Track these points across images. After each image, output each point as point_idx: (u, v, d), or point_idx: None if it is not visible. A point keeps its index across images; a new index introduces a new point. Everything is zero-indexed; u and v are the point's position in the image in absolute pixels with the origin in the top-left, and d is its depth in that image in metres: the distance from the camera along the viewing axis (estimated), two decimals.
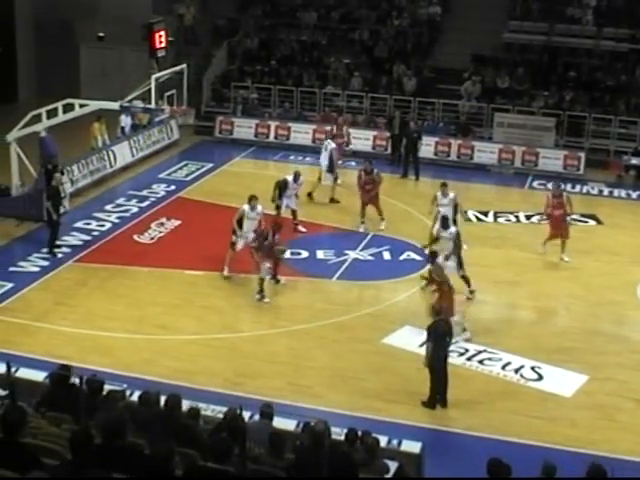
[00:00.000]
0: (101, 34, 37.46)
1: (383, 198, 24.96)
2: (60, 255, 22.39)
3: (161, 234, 24.08)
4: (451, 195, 22.59)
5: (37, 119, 25.11)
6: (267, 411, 12.23)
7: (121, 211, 25.67)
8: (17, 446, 8.09)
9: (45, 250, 22.34)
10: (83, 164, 27.61)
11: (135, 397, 12.64)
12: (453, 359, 17.88)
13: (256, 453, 10.43)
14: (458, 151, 32.08)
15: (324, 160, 26.85)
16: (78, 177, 27.19)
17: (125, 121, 30.92)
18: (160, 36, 28.65)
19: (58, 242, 22.74)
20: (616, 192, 29.53)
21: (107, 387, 12.51)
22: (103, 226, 24.52)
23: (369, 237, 24.00)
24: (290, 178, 24.15)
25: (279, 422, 12.42)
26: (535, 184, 30.00)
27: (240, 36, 37.97)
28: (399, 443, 12.96)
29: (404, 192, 28.27)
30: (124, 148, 30.22)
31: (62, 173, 24.69)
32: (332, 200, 26.69)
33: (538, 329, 19.70)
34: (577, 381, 17.29)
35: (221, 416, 12.00)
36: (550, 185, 25.65)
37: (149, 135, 31.85)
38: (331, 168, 26.73)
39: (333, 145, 27.08)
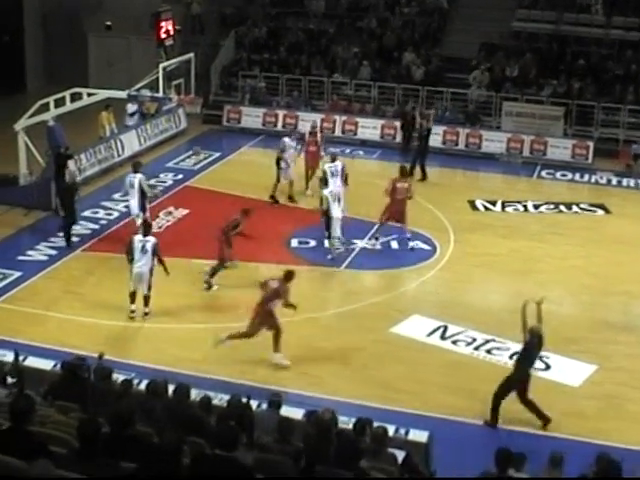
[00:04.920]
0: (109, 23, 37.37)
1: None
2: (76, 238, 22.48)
3: (169, 223, 24.09)
4: None
5: (45, 108, 25.13)
6: (276, 400, 12.24)
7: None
8: (25, 434, 8.10)
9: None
10: (91, 153, 27.63)
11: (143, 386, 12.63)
12: (461, 348, 17.93)
13: (263, 441, 10.43)
14: (466, 140, 31.99)
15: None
16: (86, 166, 27.19)
17: (132, 109, 30.86)
18: (167, 25, 28.63)
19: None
20: (625, 182, 29.41)
21: (115, 376, 12.57)
22: (111, 215, 24.52)
23: (377, 226, 23.94)
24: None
25: (287, 411, 12.41)
26: (543, 173, 29.91)
27: (248, 25, 37.91)
28: (406, 432, 12.97)
29: (412, 182, 28.22)
30: (132, 137, 30.22)
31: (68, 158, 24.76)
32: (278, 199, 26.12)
33: (547, 319, 19.60)
34: (585, 371, 17.27)
35: None
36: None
37: (157, 124, 31.84)
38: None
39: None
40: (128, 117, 31.05)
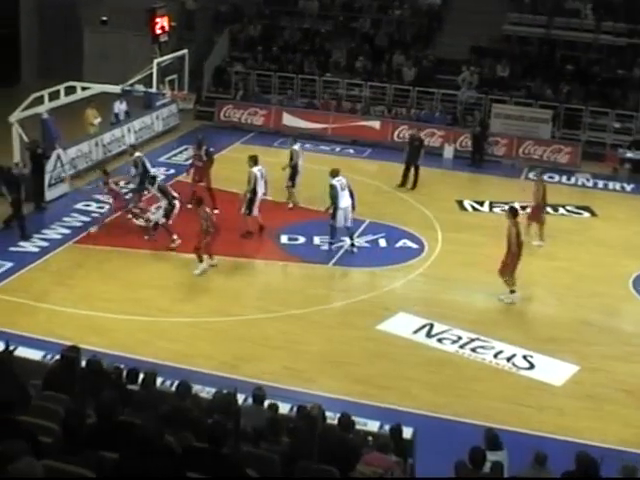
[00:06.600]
0: (104, 18, 37.47)
1: (384, 187, 25.14)
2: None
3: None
4: None
5: (39, 101, 25.28)
6: (259, 394, 12.34)
7: None
8: (13, 424, 8.21)
9: None
10: (83, 147, 27.72)
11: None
12: (446, 346, 18.15)
13: (249, 435, 10.60)
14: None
15: None
16: (78, 161, 27.31)
17: (119, 107, 30.82)
18: (162, 21, 28.82)
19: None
20: (611, 185, 29.72)
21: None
22: (102, 208, 24.61)
23: (365, 224, 24.15)
24: None
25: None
26: (531, 175, 30.07)
27: (243, 23, 38.09)
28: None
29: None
30: (124, 132, 30.27)
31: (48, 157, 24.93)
32: None
33: (530, 319, 19.94)
34: (568, 371, 17.51)
35: None
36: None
37: (149, 119, 31.92)
38: None
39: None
40: (113, 117, 30.91)
